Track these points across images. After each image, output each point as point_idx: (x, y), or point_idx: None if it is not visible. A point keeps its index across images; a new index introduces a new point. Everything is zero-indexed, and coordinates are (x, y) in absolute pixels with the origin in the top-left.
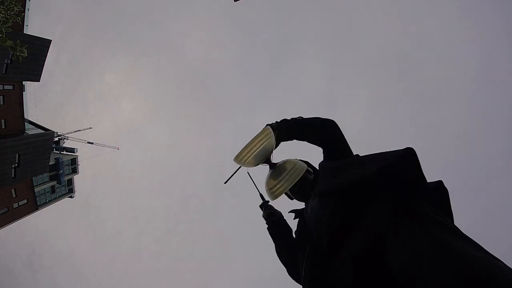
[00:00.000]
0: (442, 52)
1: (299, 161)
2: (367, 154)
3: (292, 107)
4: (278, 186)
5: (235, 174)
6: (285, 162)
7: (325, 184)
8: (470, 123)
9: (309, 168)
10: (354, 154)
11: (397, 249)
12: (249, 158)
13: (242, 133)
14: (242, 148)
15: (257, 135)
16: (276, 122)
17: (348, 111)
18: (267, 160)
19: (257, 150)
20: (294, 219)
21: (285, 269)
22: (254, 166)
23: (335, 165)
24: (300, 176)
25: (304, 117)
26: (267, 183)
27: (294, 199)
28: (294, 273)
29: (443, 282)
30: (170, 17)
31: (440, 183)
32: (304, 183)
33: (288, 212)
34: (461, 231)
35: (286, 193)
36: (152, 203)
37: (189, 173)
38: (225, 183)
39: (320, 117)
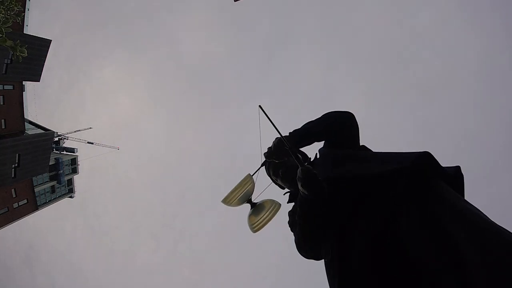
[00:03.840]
0: (441, 46)
1: (275, 201)
2: (379, 151)
3: (289, 101)
4: (258, 221)
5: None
6: (263, 202)
7: (330, 172)
8: (469, 118)
9: (298, 155)
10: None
11: (410, 228)
12: (235, 201)
13: (239, 128)
14: (229, 193)
15: (240, 183)
16: (285, 136)
17: (345, 104)
18: (248, 201)
19: (241, 195)
20: (288, 202)
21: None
22: (238, 206)
23: (340, 154)
24: (276, 213)
25: (313, 119)
26: (249, 219)
27: (286, 189)
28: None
29: (460, 262)
30: (167, 12)
31: (458, 169)
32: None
33: (284, 194)
34: (479, 210)
35: (278, 184)
36: (149, 198)
37: (186, 168)
38: (252, 175)
39: (331, 116)
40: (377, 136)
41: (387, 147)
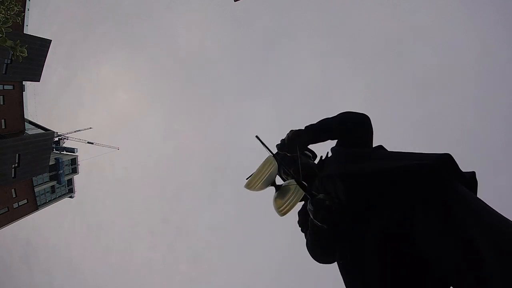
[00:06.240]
0: (440, 43)
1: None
2: (397, 151)
3: (288, 97)
4: (285, 205)
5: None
6: (288, 183)
7: (344, 168)
8: (468, 116)
9: (308, 153)
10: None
11: (426, 226)
12: (259, 185)
13: (237, 124)
14: (252, 177)
15: (263, 165)
16: (295, 132)
17: (344, 101)
18: (272, 183)
19: (264, 178)
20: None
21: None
22: (262, 189)
23: (354, 152)
24: (302, 195)
25: (329, 117)
26: (275, 202)
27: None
28: (322, 255)
29: (476, 259)
30: (166, 9)
31: (473, 174)
32: (308, 169)
33: None
34: (494, 209)
35: (286, 181)
36: (147, 195)
37: (184, 164)
38: (247, 179)
39: (348, 115)
40: (376, 133)
41: (386, 145)
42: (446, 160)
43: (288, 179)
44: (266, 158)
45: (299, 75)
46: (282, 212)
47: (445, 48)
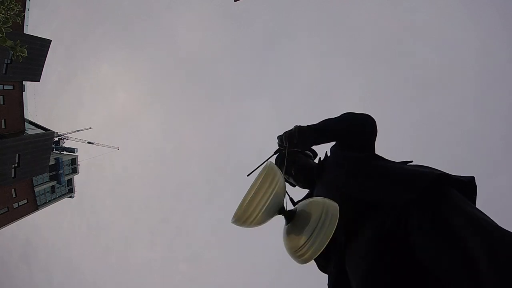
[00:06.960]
0: (440, 42)
1: (327, 201)
2: (393, 164)
3: (287, 97)
4: (307, 246)
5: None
6: (308, 206)
7: (342, 183)
8: (469, 115)
9: (308, 152)
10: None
11: (419, 228)
12: (259, 216)
13: (236, 124)
14: (245, 204)
15: (262, 180)
16: (298, 130)
17: (343, 100)
18: (280, 209)
19: (267, 203)
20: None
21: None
22: (265, 223)
23: (357, 160)
24: (336, 223)
25: (332, 117)
26: (288, 242)
27: (297, 186)
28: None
29: (473, 265)
30: (166, 9)
31: (472, 179)
32: (310, 170)
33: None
34: (486, 215)
35: (289, 182)
36: (147, 194)
37: (184, 164)
38: (248, 175)
39: (355, 117)
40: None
41: (386, 144)
42: (441, 184)
43: (289, 179)
44: (266, 167)
45: (299, 75)
46: (304, 257)
47: (445, 48)
